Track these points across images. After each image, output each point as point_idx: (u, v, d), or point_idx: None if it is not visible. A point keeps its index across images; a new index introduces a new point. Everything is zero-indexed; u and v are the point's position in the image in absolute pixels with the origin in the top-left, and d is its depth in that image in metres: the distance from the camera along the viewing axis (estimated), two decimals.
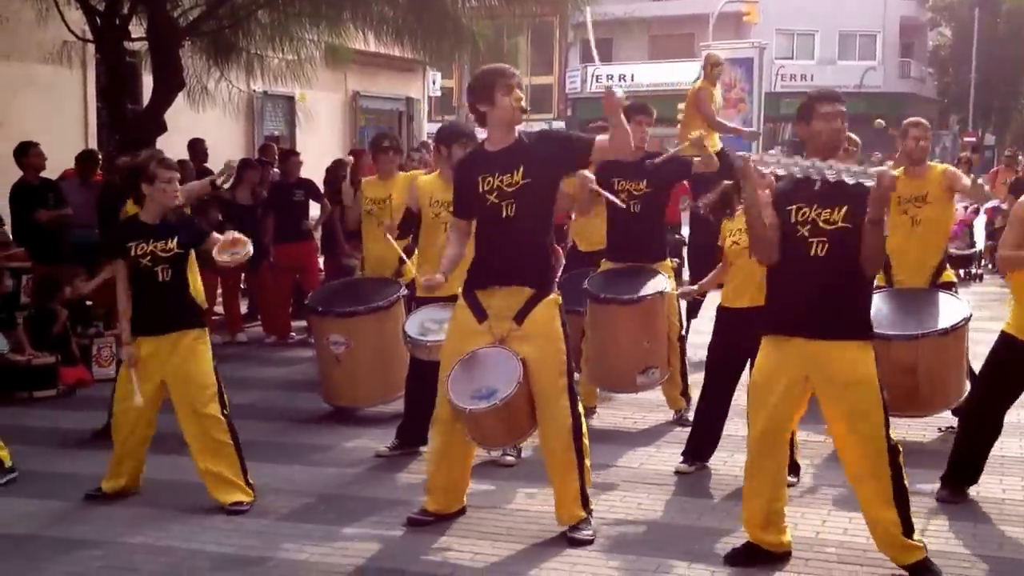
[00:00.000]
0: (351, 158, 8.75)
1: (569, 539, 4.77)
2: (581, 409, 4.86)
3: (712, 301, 6.08)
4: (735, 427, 5.85)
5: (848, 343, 4.24)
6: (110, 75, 9.64)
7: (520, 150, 4.77)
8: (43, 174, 9.58)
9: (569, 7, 13.93)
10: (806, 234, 4.23)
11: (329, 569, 4.54)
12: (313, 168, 11.26)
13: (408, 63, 17.67)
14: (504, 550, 4.71)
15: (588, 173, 6.15)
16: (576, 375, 5.56)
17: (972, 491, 5.35)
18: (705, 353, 5.91)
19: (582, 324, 6.52)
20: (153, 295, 5.34)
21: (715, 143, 9.03)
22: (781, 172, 4.13)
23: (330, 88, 17.13)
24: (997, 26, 42.59)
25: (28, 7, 10.42)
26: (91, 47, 10.41)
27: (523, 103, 4.80)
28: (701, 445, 5.86)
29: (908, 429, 6.39)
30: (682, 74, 21.63)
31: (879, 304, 5.96)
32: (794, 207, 4.25)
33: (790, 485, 4.99)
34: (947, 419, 6.48)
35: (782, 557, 4.51)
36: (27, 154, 9.41)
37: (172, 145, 9.26)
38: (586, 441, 4.86)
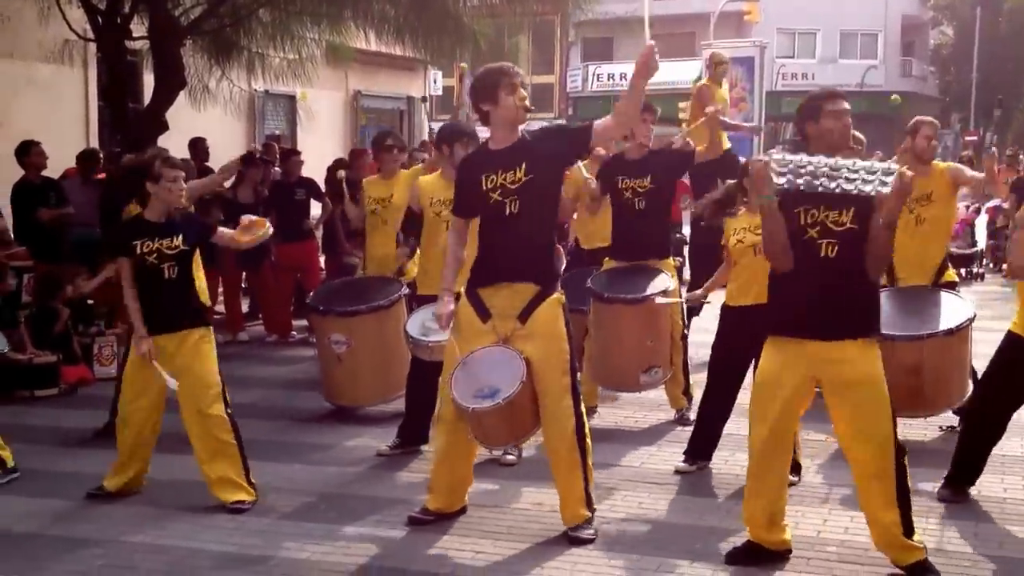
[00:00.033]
0: (343, 173, 8.74)
1: (570, 538, 4.77)
2: (583, 408, 4.86)
3: (713, 299, 6.07)
4: (736, 426, 5.84)
5: (857, 342, 4.24)
6: (111, 74, 9.65)
7: (523, 148, 4.76)
8: (44, 173, 9.58)
9: (570, 6, 13.93)
10: (815, 236, 4.21)
11: (330, 568, 4.54)
12: (314, 167, 11.26)
13: (409, 62, 17.68)
14: (505, 549, 4.71)
15: (588, 176, 6.13)
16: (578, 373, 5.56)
17: (973, 490, 5.35)
18: (707, 352, 5.90)
19: (585, 323, 6.51)
20: (159, 293, 5.33)
21: (724, 143, 9.01)
22: (800, 184, 4.08)
23: (331, 87, 17.15)
24: (999, 25, 42.61)
25: (29, 6, 10.43)
26: (92, 46, 10.41)
27: (527, 102, 4.78)
28: (703, 445, 5.85)
29: (909, 428, 6.38)
30: (683, 73, 21.58)
31: (882, 303, 5.95)
32: (802, 209, 4.22)
33: (791, 484, 4.99)
34: (948, 418, 6.48)
35: (782, 555, 4.51)
36: (28, 153, 9.42)
37: (173, 144, 9.25)
38: (589, 441, 4.86)
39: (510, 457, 5.94)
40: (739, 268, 5.54)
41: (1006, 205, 15.25)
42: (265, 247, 9.69)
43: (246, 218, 5.65)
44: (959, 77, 44.51)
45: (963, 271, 13.97)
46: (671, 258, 6.80)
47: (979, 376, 5.67)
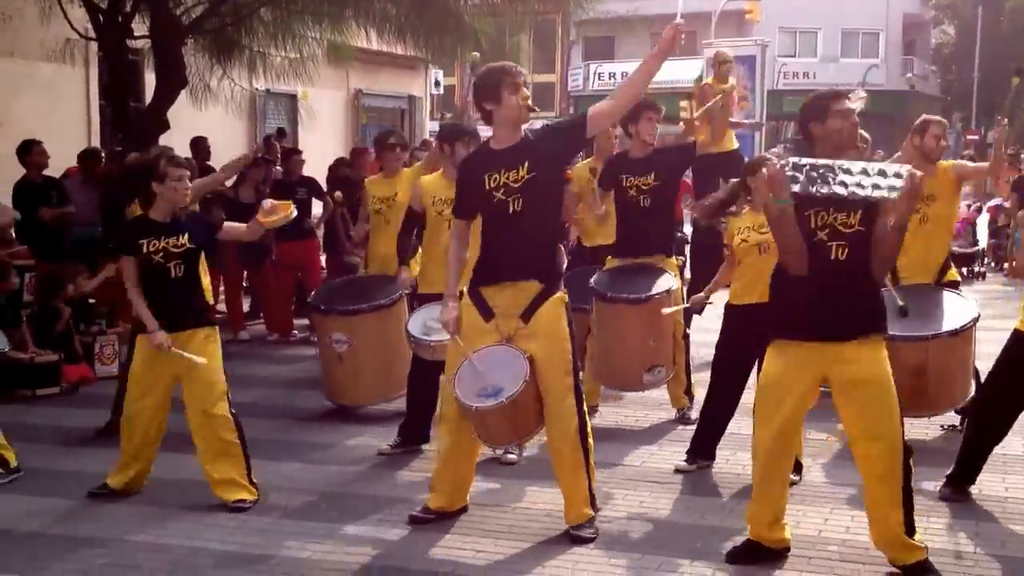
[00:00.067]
0: (340, 194, 8.70)
1: (572, 537, 4.77)
2: (586, 408, 4.86)
3: (715, 299, 6.06)
4: (737, 425, 5.84)
5: (866, 342, 4.23)
6: (112, 73, 9.63)
7: (525, 147, 4.75)
8: (46, 172, 9.58)
9: (571, 5, 13.92)
10: (825, 238, 4.20)
11: (331, 567, 4.54)
12: (315, 166, 11.26)
13: (410, 61, 17.68)
14: (506, 548, 4.71)
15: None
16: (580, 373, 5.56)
17: (975, 489, 5.34)
18: (709, 351, 5.90)
19: (587, 322, 6.52)
20: (165, 292, 5.33)
21: (732, 142, 9.01)
22: (813, 189, 4.07)
23: (332, 86, 17.14)
24: (1000, 24, 42.57)
25: (31, 5, 10.42)
26: (93, 45, 10.38)
27: (530, 102, 4.77)
28: (706, 444, 5.85)
29: (911, 428, 6.37)
30: (684, 72, 21.56)
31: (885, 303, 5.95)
32: (812, 212, 4.21)
33: (792, 484, 4.99)
34: (950, 417, 6.47)
35: (782, 554, 4.51)
36: (30, 152, 9.43)
37: (174, 143, 9.23)
38: (591, 440, 4.86)
39: (511, 456, 5.94)
40: (743, 267, 5.53)
41: (1007, 204, 15.28)
42: (266, 246, 9.71)
43: (268, 202, 5.63)
44: (960, 76, 44.48)
45: (965, 270, 13.98)
46: (674, 257, 6.80)
47: (981, 375, 5.67)
